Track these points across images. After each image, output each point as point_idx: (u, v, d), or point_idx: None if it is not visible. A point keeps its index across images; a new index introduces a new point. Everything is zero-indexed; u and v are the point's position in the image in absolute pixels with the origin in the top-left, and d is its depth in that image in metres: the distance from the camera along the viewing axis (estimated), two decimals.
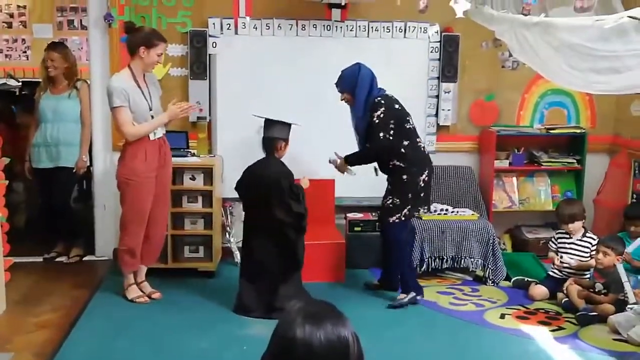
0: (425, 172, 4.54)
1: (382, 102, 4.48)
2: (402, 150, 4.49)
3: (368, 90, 4.52)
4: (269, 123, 4.49)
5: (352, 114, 4.64)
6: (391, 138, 4.45)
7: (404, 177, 4.50)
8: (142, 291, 4.68)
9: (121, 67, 5.22)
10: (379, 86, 4.59)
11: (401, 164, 4.50)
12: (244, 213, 4.63)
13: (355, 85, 4.53)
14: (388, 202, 4.56)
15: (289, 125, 4.51)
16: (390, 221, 4.54)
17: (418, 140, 4.58)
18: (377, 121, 4.45)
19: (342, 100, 4.62)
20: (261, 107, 5.22)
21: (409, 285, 4.65)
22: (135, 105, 4.35)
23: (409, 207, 4.53)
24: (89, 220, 5.58)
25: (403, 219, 4.54)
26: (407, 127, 4.52)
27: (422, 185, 4.53)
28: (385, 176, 4.64)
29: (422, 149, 4.61)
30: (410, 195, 4.51)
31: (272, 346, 1.62)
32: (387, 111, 4.46)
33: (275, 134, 4.46)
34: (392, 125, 4.46)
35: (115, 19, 5.22)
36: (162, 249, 5.00)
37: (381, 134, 4.44)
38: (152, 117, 4.42)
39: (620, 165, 5.61)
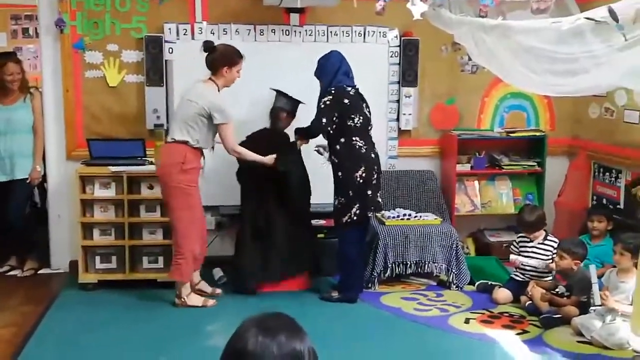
0: (361, 169, 4.57)
1: (333, 91, 4.57)
2: (337, 146, 4.60)
3: (330, 79, 4.62)
4: (276, 95, 4.91)
5: None
6: (330, 131, 4.58)
7: (339, 173, 4.62)
8: (203, 291, 4.78)
9: (74, 74, 5.15)
10: (350, 78, 4.68)
11: (335, 159, 4.64)
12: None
13: (322, 73, 4.68)
14: (336, 203, 4.66)
15: (292, 99, 4.87)
16: (343, 221, 4.61)
17: (357, 138, 4.60)
18: (322, 106, 4.57)
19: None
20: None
21: (347, 284, 4.74)
22: None
23: (357, 205, 4.57)
24: (43, 232, 5.39)
25: (355, 218, 4.58)
26: (349, 123, 4.58)
27: (361, 182, 4.57)
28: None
29: (359, 147, 4.60)
30: (351, 192, 4.57)
31: (223, 356, 1.55)
32: (333, 101, 4.55)
33: (277, 104, 4.88)
34: (334, 117, 4.56)
35: (67, 25, 5.08)
36: (120, 259, 4.95)
37: (324, 120, 4.55)
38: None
39: (579, 167, 5.64)
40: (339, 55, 4.71)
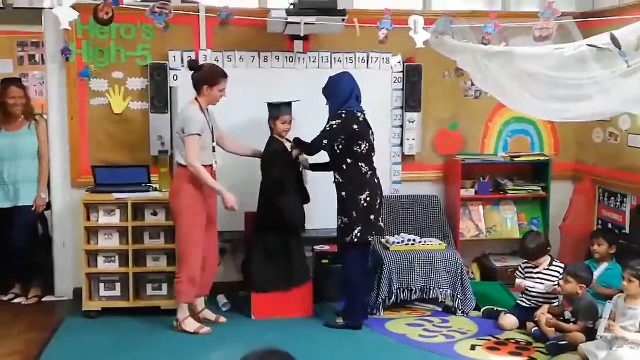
0: (366, 193, 4.58)
1: (343, 116, 4.56)
2: (344, 166, 4.59)
3: (341, 103, 4.60)
4: (267, 107, 4.89)
5: None
6: (337, 151, 4.57)
7: (343, 194, 4.61)
8: (207, 319, 4.76)
9: (79, 102, 5.19)
10: (360, 103, 4.67)
11: (340, 179, 4.62)
12: None
13: (332, 93, 4.65)
14: (339, 223, 4.65)
15: (277, 105, 4.84)
16: (347, 241, 4.60)
17: (362, 164, 4.60)
18: (327, 128, 4.57)
19: (326, 104, 4.71)
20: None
21: (352, 311, 4.71)
22: (205, 135, 4.51)
23: (360, 228, 4.56)
24: (45, 260, 5.39)
25: (355, 240, 4.58)
26: (355, 149, 4.58)
27: (365, 205, 4.57)
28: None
29: (365, 173, 4.61)
30: (355, 213, 4.56)
31: None
32: (341, 125, 4.55)
33: (269, 114, 4.86)
34: (341, 140, 4.56)
35: (73, 53, 5.13)
36: (124, 286, 4.93)
37: (324, 142, 4.58)
38: (214, 148, 4.61)
39: (584, 191, 5.63)
40: (352, 78, 4.69)
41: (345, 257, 4.74)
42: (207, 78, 4.53)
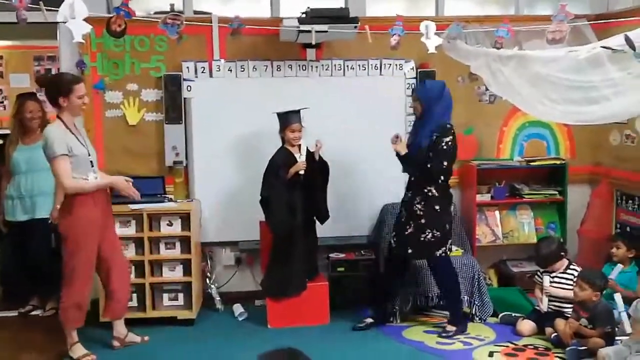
0: (452, 205, 4.66)
1: (452, 131, 4.53)
2: (441, 179, 4.55)
3: (447, 113, 4.57)
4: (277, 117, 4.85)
5: (413, 127, 4.72)
6: (443, 166, 4.49)
7: (437, 207, 4.55)
8: (133, 342, 4.58)
9: (94, 114, 5.24)
10: None
11: (435, 193, 4.54)
12: None
13: (437, 100, 4.56)
14: (428, 237, 4.57)
15: (283, 114, 4.78)
16: (437, 255, 4.59)
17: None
18: (444, 147, 4.47)
19: (411, 106, 4.68)
20: (239, 149, 5.22)
21: (459, 316, 4.75)
22: (77, 151, 4.22)
23: (450, 240, 4.65)
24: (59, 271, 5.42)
25: (448, 252, 4.63)
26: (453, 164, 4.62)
27: (453, 216, 4.68)
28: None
29: (449, 186, 4.67)
30: (447, 226, 4.60)
31: None
32: (454, 141, 4.52)
33: (279, 125, 4.82)
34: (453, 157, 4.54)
35: (88, 66, 5.17)
36: (141, 297, 4.93)
37: (445, 163, 4.48)
38: (92, 162, 4.31)
39: (602, 195, 5.57)
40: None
41: (438, 270, 4.71)
42: (59, 88, 4.21)
